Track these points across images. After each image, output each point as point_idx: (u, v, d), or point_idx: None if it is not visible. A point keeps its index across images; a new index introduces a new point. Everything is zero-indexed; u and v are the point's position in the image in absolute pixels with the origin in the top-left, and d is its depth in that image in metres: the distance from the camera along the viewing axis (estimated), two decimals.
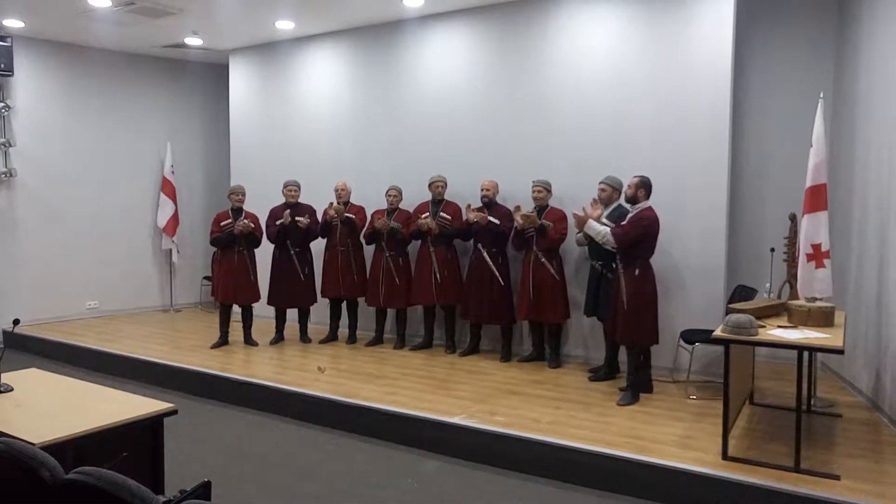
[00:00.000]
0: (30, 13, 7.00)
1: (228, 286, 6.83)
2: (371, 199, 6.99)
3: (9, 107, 7.76)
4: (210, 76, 9.56)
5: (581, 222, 5.13)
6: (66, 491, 1.93)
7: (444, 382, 5.56)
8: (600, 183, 5.56)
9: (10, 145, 7.80)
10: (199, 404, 5.62)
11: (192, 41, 8.14)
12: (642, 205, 5.02)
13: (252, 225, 6.78)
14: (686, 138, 5.67)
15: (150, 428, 3.06)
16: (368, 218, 6.92)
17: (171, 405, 3.13)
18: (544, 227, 5.83)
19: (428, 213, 6.52)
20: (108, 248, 8.74)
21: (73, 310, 8.46)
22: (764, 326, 4.05)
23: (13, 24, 7.36)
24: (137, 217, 9.04)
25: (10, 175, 7.82)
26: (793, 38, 6.10)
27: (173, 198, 9.07)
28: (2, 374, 3.40)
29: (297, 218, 6.76)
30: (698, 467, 3.77)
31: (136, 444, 3.02)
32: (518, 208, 5.90)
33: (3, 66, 7.47)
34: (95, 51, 8.50)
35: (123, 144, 8.87)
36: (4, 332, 7.73)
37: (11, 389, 3.32)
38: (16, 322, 3.67)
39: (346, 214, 6.83)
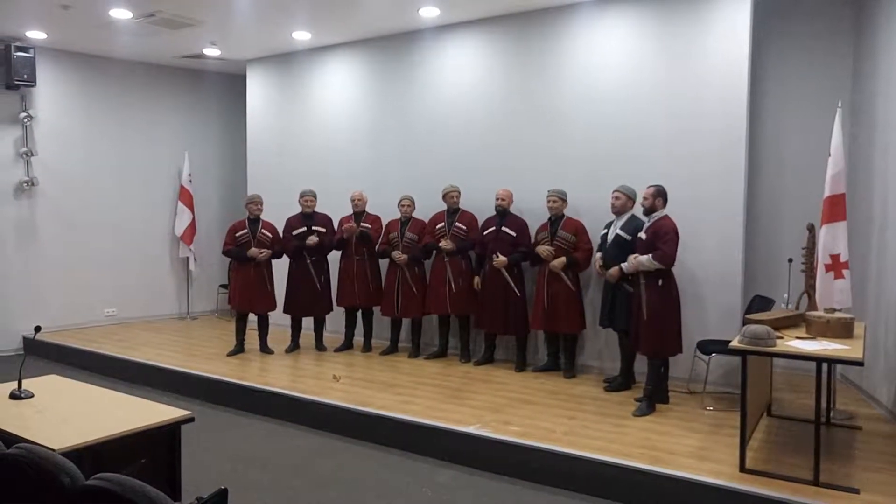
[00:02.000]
0: (52, 25, 7.12)
1: (245, 295, 6.87)
2: (386, 209, 7.00)
3: (31, 116, 7.89)
4: (227, 86, 9.66)
5: (616, 275, 5.28)
6: (86, 497, 1.95)
7: (459, 392, 5.55)
8: (614, 191, 5.55)
9: (32, 154, 7.92)
10: (215, 412, 5.65)
11: (211, 52, 8.24)
12: (659, 214, 5.02)
13: (270, 252, 6.82)
14: (702, 148, 5.65)
15: (167, 435, 3.09)
16: (384, 228, 6.95)
17: (188, 413, 3.15)
18: (573, 261, 5.85)
19: (443, 224, 6.53)
20: (127, 255, 8.83)
21: (92, 317, 8.55)
22: (782, 337, 4.01)
23: (36, 35, 7.49)
24: (155, 225, 9.13)
25: (32, 184, 7.94)
26: (810, 47, 6.06)
27: (190, 206, 9.15)
28: (23, 381, 3.46)
29: (308, 239, 6.82)
30: (715, 479, 3.73)
31: (154, 451, 3.05)
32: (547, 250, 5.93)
33: (25, 76, 7.58)
34: (115, 61, 8.63)
35: (142, 153, 8.97)
36: (25, 339, 7.84)
37: (32, 396, 3.37)
38: (37, 329, 3.73)
39: (363, 225, 6.86)
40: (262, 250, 6.80)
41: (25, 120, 7.85)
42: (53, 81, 8.15)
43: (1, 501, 2.23)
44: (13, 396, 3.35)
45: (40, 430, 2.84)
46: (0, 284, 7.78)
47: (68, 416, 3.12)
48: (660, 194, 5.04)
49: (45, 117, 8.11)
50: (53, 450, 2.29)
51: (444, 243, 6.42)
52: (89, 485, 1.94)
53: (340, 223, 7.05)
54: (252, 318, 7.08)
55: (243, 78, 8.92)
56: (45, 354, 7.36)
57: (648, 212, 5.06)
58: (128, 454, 2.87)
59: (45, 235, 8.16)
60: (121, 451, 2.85)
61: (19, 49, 7.51)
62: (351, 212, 7.02)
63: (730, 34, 5.52)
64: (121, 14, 6.60)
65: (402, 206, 6.77)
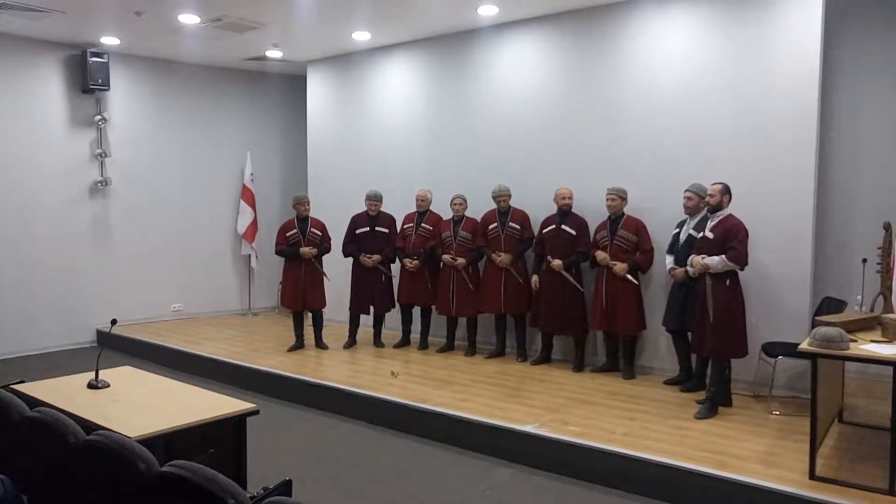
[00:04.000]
0: (125, 31, 7.42)
1: (296, 293, 6.99)
2: (446, 209, 7.00)
3: (105, 119, 8.23)
4: (288, 87, 9.87)
5: (681, 276, 5.26)
6: (161, 482, 2.03)
7: (517, 391, 5.53)
8: (686, 191, 5.43)
9: (106, 155, 8.27)
10: (276, 405, 5.79)
11: (273, 54, 8.43)
12: (724, 212, 4.90)
13: (314, 251, 6.95)
14: (770, 143, 5.47)
15: (234, 426, 3.19)
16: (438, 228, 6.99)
17: (253, 405, 3.24)
18: (635, 265, 5.78)
19: (496, 224, 6.51)
20: (192, 253, 9.12)
21: (159, 311, 8.87)
22: (855, 340, 3.85)
23: (110, 41, 7.82)
24: (219, 223, 9.40)
25: (106, 184, 8.29)
26: (887, 38, 5.77)
27: (252, 205, 9.39)
28: (99, 372, 3.62)
29: (365, 259, 6.95)
30: (783, 486, 3.62)
31: (222, 441, 3.14)
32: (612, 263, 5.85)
33: (100, 80, 7.93)
34: (183, 65, 8.92)
35: (206, 154, 9.25)
36: (99, 332, 8.20)
37: (108, 386, 3.53)
38: (113, 322, 3.90)
39: (427, 246, 6.88)
40: (311, 248, 6.93)
41: (100, 122, 8.20)
42: (126, 85, 8.49)
43: (82, 484, 2.34)
44: (91, 386, 3.51)
45: (117, 418, 2.97)
46: (76, 280, 8.15)
47: (142, 405, 3.25)
48: (727, 191, 4.92)
49: (118, 120, 8.45)
50: (129, 437, 2.39)
51: (502, 260, 6.40)
52: (164, 471, 2.02)
53: (404, 222, 7.12)
54: (308, 313, 7.22)
55: (304, 79, 9.09)
56: (117, 347, 7.67)
57: (715, 209, 4.93)
58: (197, 443, 2.96)
59: (118, 233, 8.51)
60: (191, 441, 2.95)
61: (94, 55, 7.86)
62: (414, 209, 7.08)
63: (800, 24, 5.32)
64: (189, 19, 6.83)
65: (455, 204, 6.78)
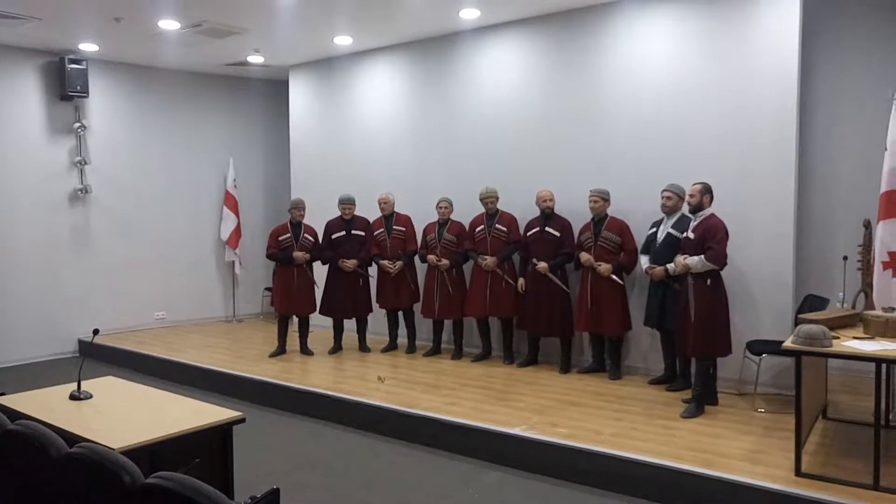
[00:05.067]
0: (104, 37, 7.35)
1: (288, 298, 6.97)
2: (430, 212, 6.99)
3: (84, 126, 8.14)
4: (270, 92, 9.82)
5: (661, 275, 5.28)
6: (146, 494, 2.00)
7: (504, 393, 5.53)
8: (664, 191, 5.47)
9: (86, 163, 8.18)
10: (262, 412, 5.74)
11: (254, 59, 8.39)
12: (706, 212, 4.93)
13: (308, 256, 6.93)
14: (750, 144, 5.52)
15: (220, 435, 3.16)
16: (420, 231, 6.99)
17: (239, 413, 3.21)
18: (620, 266, 5.79)
19: (483, 227, 6.52)
20: (175, 260, 9.04)
21: (143, 320, 8.78)
22: (838, 337, 3.90)
23: (89, 47, 7.74)
24: (202, 230, 9.33)
25: (86, 192, 8.19)
26: (864, 38, 5.85)
27: (236, 211, 9.33)
28: (81, 382, 3.57)
29: (345, 263, 6.92)
30: (770, 483, 3.64)
31: (207, 451, 3.11)
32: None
33: (79, 87, 7.84)
34: (163, 71, 8.85)
35: (188, 160, 9.17)
36: (80, 342, 8.09)
37: (91, 396, 3.48)
38: (96, 332, 3.86)
39: (401, 250, 6.91)
40: (305, 253, 6.91)
41: (79, 130, 8.11)
42: (105, 92, 8.40)
43: (65, 498, 2.30)
44: (73, 397, 3.46)
45: (100, 429, 2.93)
46: (57, 289, 8.04)
47: (126, 416, 3.21)
48: (707, 191, 4.96)
49: (98, 127, 8.36)
50: (113, 449, 2.36)
51: (487, 263, 6.39)
52: (149, 483, 1.99)
53: (373, 228, 7.11)
54: (293, 319, 7.18)
55: (286, 84, 9.05)
56: (99, 357, 7.57)
57: (695, 210, 4.97)
58: (183, 453, 2.93)
59: (99, 241, 8.41)
60: (176, 451, 2.92)
61: (73, 61, 7.77)
62: (380, 214, 7.09)
63: (779, 27, 5.38)
64: (169, 25, 6.77)
65: (441, 207, 6.78)
